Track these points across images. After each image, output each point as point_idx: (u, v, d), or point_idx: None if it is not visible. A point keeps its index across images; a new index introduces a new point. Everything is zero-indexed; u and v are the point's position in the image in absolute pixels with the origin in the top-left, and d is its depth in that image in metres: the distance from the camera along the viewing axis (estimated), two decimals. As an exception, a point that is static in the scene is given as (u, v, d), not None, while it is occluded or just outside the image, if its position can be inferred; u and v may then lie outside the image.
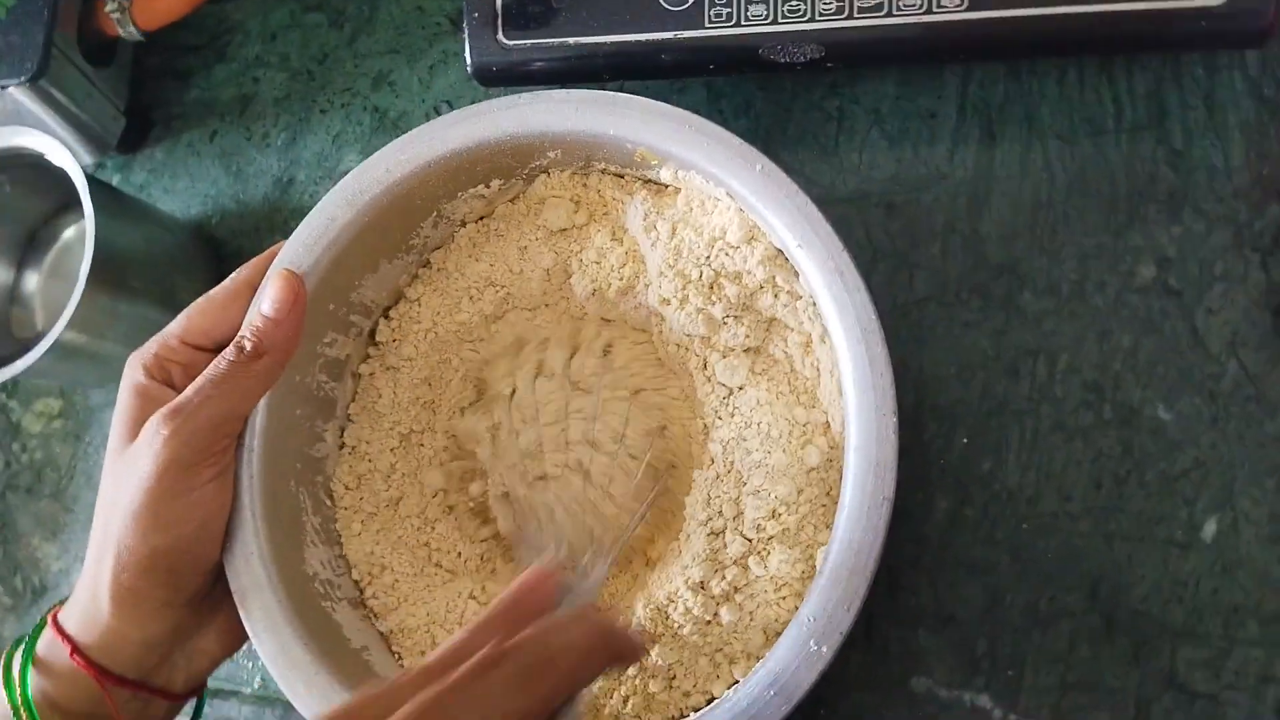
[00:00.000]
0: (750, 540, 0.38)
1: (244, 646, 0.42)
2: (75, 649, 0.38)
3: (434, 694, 0.24)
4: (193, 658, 0.41)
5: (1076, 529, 0.42)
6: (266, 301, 0.39)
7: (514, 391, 0.44)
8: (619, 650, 0.28)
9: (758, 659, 0.37)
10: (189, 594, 0.39)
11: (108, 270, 0.47)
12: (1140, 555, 0.42)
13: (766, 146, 0.49)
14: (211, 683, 0.52)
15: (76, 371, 0.51)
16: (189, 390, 0.38)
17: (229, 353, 0.38)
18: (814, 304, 0.37)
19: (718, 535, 0.38)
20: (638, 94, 0.40)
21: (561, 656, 0.26)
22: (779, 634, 0.37)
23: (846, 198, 0.47)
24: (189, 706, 0.44)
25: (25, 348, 0.48)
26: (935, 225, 0.46)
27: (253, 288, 0.41)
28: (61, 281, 0.55)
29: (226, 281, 0.41)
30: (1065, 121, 0.45)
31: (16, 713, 0.38)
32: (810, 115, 0.49)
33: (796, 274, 0.38)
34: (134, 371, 0.40)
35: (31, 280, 0.56)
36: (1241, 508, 0.41)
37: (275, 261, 0.41)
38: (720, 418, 0.40)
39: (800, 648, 0.32)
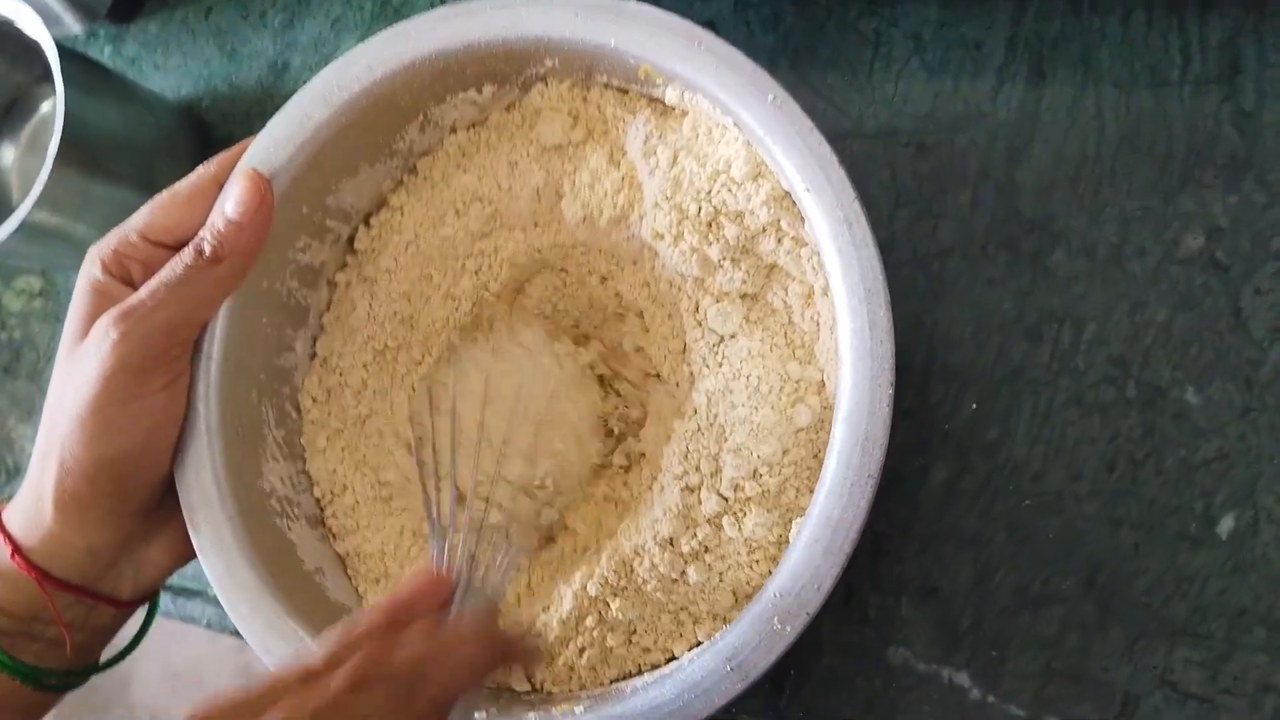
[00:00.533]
0: (726, 499, 0.35)
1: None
2: (16, 550, 0.37)
3: (301, 712, 0.23)
4: (141, 567, 0.39)
5: (1082, 511, 0.40)
6: (230, 203, 0.37)
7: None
8: (509, 659, 0.28)
9: (725, 621, 0.35)
10: (136, 504, 0.37)
11: (80, 149, 0.45)
12: (1147, 545, 0.39)
13: (794, 67, 0.45)
14: (178, 581, 0.52)
15: (51, 254, 0.49)
16: (143, 291, 0.36)
17: (186, 255, 0.36)
18: (818, 254, 0.34)
19: (692, 491, 0.36)
20: (657, -2, 0.36)
21: (437, 672, 0.25)
22: (749, 597, 0.35)
23: (875, 133, 0.43)
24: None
25: (-1, 223, 0.46)
26: (968, 171, 0.42)
27: (219, 184, 0.38)
28: (38, 157, 0.53)
29: (192, 176, 0.38)
30: (1125, 67, 0.41)
31: (-45, 610, 0.37)
32: (845, 36, 0.44)
33: (803, 219, 0.34)
34: (91, 266, 0.37)
35: (8, 154, 0.53)
36: (1264, 506, 0.38)
37: (243, 159, 0.38)
38: (708, 366, 0.37)
39: (763, 625, 0.30)
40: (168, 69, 0.54)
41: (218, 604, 0.51)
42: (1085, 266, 0.41)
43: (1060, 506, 0.40)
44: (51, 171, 0.44)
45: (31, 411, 0.56)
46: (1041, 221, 0.41)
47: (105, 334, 0.35)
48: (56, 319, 0.56)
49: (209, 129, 0.53)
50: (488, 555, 0.33)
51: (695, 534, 0.35)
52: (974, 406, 0.41)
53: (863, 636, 0.41)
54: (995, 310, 0.41)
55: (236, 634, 0.51)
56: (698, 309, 0.38)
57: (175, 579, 0.51)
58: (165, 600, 0.52)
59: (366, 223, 0.42)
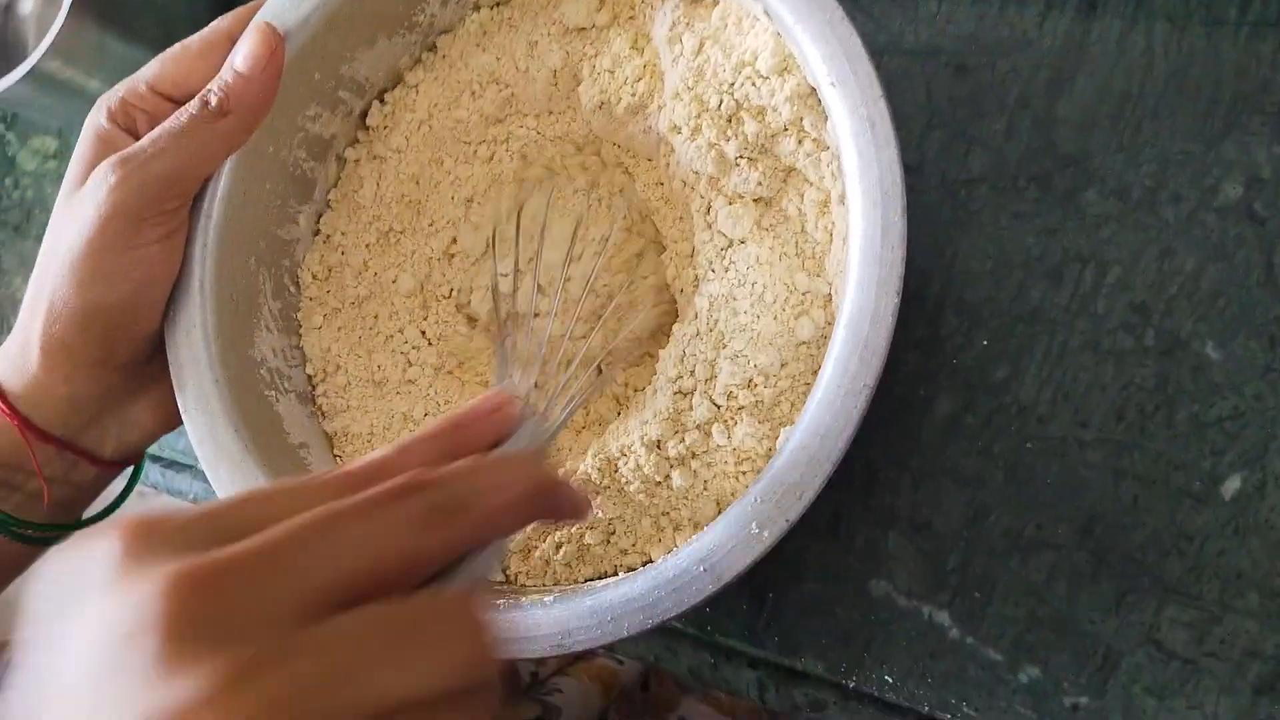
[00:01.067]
0: (719, 407, 0.34)
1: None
2: (0, 394, 0.36)
3: (329, 512, 0.21)
4: (124, 426, 0.39)
5: (1085, 459, 0.39)
6: (239, 56, 0.35)
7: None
8: (555, 506, 0.25)
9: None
10: (123, 358, 0.37)
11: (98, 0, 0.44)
12: (1148, 500, 0.38)
13: (835, -23, 0.44)
14: (167, 453, 0.51)
15: (63, 107, 0.48)
16: (144, 140, 0.35)
17: (192, 106, 0.35)
18: (839, 158, 0.32)
19: (685, 396, 0.35)
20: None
21: (483, 500, 0.23)
22: None
23: (913, 50, 0.42)
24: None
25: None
26: (1006, 98, 0.41)
27: (232, 40, 0.37)
28: (58, 8, 0.52)
29: (206, 29, 0.37)
30: (1180, 2, 0.39)
31: (-61, 448, 0.37)
32: (892, -50, 0.43)
33: (826, 119, 0.33)
34: (98, 114, 0.37)
35: (27, 3, 0.52)
36: (1273, 469, 0.37)
37: (258, 14, 0.37)
38: (714, 270, 0.36)
39: (740, 528, 0.29)
40: (198, -68, 0.53)
41: (206, 479, 0.51)
42: (1117, 208, 0.39)
43: (1063, 452, 0.39)
44: (66, 20, 0.43)
45: (38, 272, 0.56)
46: (1077, 158, 0.40)
47: (104, 178, 0.34)
48: (68, 181, 0.55)
49: (235, -3, 0.51)
50: (554, 390, 0.33)
51: (684, 439, 0.34)
52: (985, 343, 0.40)
53: (847, 566, 0.41)
54: (1019, 246, 0.40)
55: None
56: (709, 210, 0.37)
57: (164, 451, 0.51)
58: (155, 473, 0.52)
59: (381, 99, 0.41)
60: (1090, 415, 0.39)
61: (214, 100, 0.35)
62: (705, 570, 0.30)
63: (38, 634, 0.20)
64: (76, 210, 0.35)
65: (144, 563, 0.19)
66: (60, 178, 0.56)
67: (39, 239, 0.56)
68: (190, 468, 0.51)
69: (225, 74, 0.36)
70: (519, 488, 0.24)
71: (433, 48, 0.40)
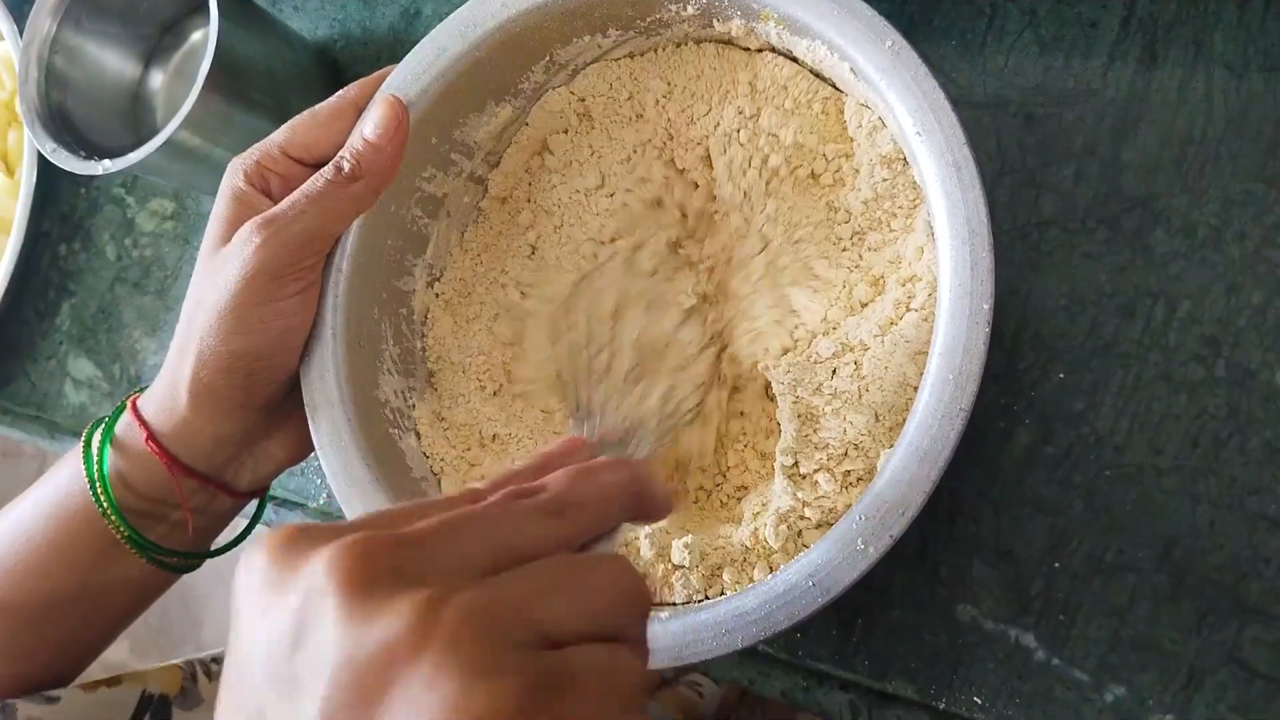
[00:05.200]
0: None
1: (310, 461, 0.43)
2: (151, 435, 0.40)
3: (465, 511, 0.24)
4: (259, 460, 0.42)
5: (1161, 485, 0.40)
6: (369, 125, 0.39)
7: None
8: (645, 501, 0.27)
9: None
10: (263, 399, 0.40)
11: (226, 76, 0.48)
12: (1225, 523, 0.40)
13: (907, 36, 0.46)
14: (280, 494, 0.55)
15: (189, 173, 0.52)
16: (284, 203, 0.38)
17: (327, 171, 0.39)
18: (928, 202, 0.35)
19: (796, 470, 0.37)
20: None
21: (589, 495, 0.26)
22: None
23: (983, 102, 0.45)
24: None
25: (144, 144, 0.49)
26: (1073, 145, 0.43)
27: (358, 108, 0.40)
28: (184, 84, 0.56)
29: (333, 99, 0.41)
30: (1238, 51, 0.41)
31: (93, 485, 0.40)
32: (960, 8, 0.46)
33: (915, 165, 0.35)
34: (234, 177, 0.40)
35: (157, 79, 0.57)
36: (1348, 492, 0.38)
37: (383, 86, 0.40)
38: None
39: (846, 545, 0.32)
40: (306, 11, 0.57)
41: (317, 516, 0.54)
42: (1184, 246, 0.41)
43: (1140, 479, 0.41)
44: (200, 95, 0.47)
45: (156, 326, 0.60)
46: (1143, 199, 0.42)
47: (249, 239, 0.37)
48: (185, 240, 0.59)
49: (341, 69, 0.56)
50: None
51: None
52: (1062, 376, 0.42)
53: (933, 592, 0.42)
54: (1091, 283, 0.42)
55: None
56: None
57: (277, 491, 0.55)
58: (268, 510, 0.55)
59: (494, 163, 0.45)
60: (1165, 443, 0.41)
61: (346, 166, 0.38)
62: (814, 585, 0.32)
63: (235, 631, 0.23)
64: (222, 267, 0.38)
65: (301, 553, 0.22)
66: (177, 237, 0.60)
67: (157, 294, 0.60)
68: (301, 505, 0.54)
69: (356, 142, 0.39)
70: (617, 484, 0.26)
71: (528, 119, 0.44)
